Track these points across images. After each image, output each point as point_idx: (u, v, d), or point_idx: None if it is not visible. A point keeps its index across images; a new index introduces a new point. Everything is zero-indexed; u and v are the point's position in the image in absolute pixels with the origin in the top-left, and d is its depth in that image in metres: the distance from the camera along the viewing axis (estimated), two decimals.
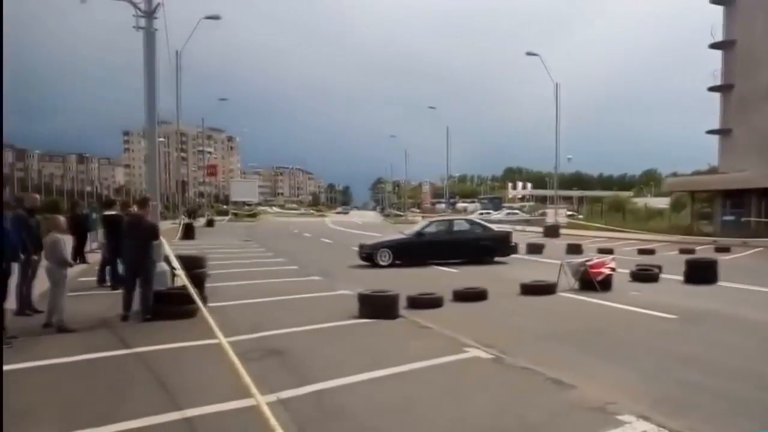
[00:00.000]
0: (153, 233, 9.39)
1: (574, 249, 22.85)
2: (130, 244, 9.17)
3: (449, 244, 19.31)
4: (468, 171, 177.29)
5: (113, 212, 12.60)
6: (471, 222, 21.65)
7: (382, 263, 18.24)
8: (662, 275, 14.56)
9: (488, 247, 19.48)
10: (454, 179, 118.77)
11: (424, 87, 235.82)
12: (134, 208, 10.51)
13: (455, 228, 20.27)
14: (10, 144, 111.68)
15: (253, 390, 4.72)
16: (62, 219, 9.24)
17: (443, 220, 22.34)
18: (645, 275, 14.29)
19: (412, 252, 18.87)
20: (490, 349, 7.27)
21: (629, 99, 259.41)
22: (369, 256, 18.72)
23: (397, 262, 18.41)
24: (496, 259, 19.46)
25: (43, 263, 8.79)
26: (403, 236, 19.93)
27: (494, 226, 22.30)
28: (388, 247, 18.92)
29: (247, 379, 4.93)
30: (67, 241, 10.13)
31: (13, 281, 8.14)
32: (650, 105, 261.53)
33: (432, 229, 20.18)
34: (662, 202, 54.59)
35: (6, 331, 7.46)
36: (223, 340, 6.05)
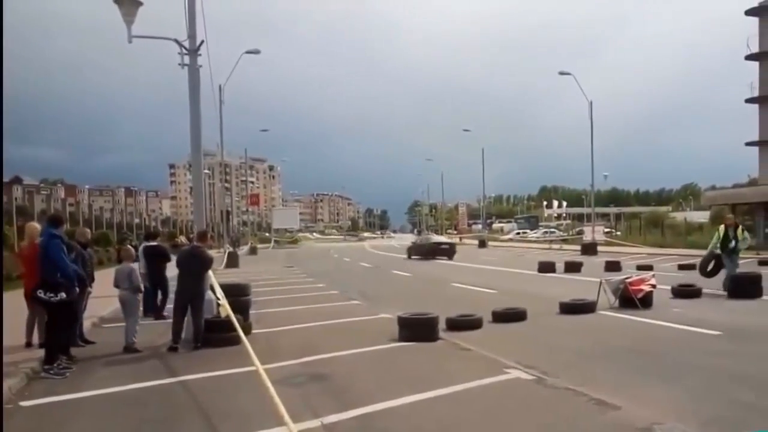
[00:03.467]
0: (209, 264, 9.54)
1: (613, 266, 22.55)
2: (186, 274, 9.22)
3: None
4: (504, 191, 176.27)
5: (154, 243, 12.88)
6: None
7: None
8: (705, 291, 14.27)
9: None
10: (490, 200, 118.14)
11: (459, 110, 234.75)
12: (182, 239, 10.79)
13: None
14: (61, 180, 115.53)
15: (286, 418, 4.75)
16: (133, 251, 9.77)
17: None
18: (687, 291, 14.01)
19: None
20: (531, 370, 7.25)
21: (665, 114, 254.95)
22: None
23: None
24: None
25: (115, 292, 9.33)
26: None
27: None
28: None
29: (281, 407, 4.92)
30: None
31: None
32: (687, 119, 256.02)
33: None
34: (702, 216, 53.31)
35: (61, 361, 7.73)
36: (260, 368, 6.10)
